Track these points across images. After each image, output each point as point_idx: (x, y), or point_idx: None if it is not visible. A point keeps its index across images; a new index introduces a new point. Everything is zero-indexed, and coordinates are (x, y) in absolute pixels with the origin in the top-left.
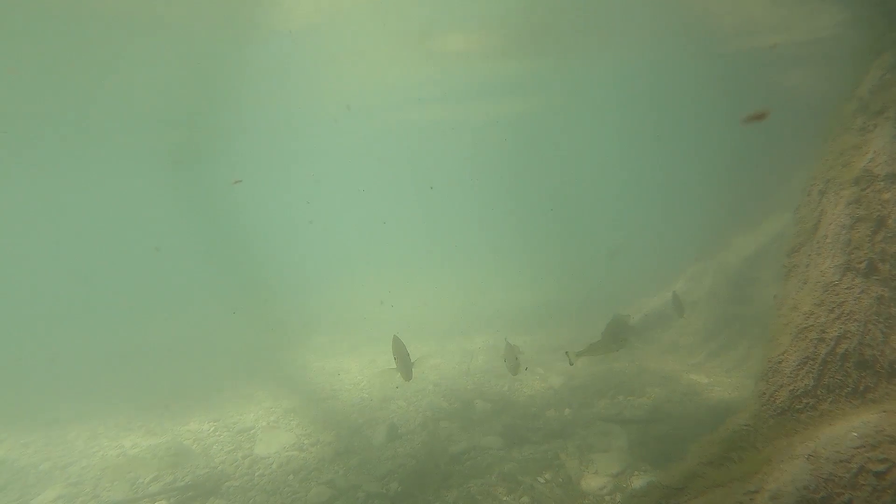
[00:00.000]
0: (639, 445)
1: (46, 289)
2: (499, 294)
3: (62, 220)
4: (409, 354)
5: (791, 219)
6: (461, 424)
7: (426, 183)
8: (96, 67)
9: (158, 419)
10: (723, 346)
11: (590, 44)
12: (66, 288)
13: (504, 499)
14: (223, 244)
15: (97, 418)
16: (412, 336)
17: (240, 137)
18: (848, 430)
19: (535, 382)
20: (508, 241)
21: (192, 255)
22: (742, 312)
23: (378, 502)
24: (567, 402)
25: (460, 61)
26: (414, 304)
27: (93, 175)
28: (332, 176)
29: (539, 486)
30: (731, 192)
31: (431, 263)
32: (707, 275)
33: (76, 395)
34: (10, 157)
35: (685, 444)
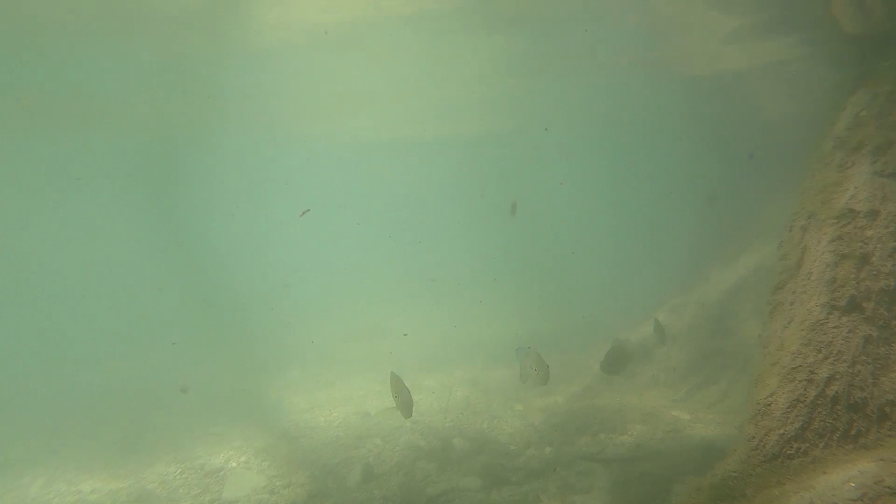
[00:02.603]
0: (621, 486)
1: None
2: (479, 327)
3: (20, 245)
4: (409, 391)
5: (771, 252)
6: (439, 464)
7: (411, 213)
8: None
9: (122, 461)
10: (704, 381)
11: (572, 73)
12: (25, 318)
13: None
14: (193, 273)
15: (55, 460)
16: (389, 371)
17: (216, 160)
18: (845, 479)
19: (515, 420)
20: (490, 274)
21: (160, 285)
22: (723, 346)
23: None
24: (548, 440)
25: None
26: (393, 337)
27: (59, 198)
28: (309, 204)
29: None
30: (710, 224)
31: (411, 295)
32: (687, 308)
33: (31, 435)
34: None
35: (669, 485)
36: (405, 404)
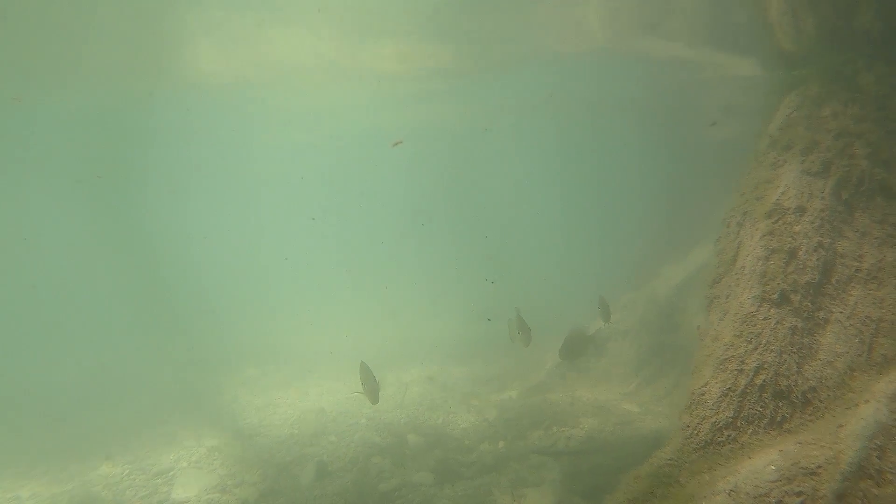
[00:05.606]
0: (571, 478)
1: None
2: (438, 325)
3: None
4: (376, 379)
5: (714, 249)
6: (393, 460)
7: (357, 209)
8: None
9: (64, 463)
10: (654, 375)
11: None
12: None
13: None
14: (141, 267)
15: None
16: (347, 368)
17: (159, 152)
18: (766, 463)
19: (470, 415)
20: (447, 273)
21: (106, 280)
22: (672, 341)
23: None
24: (502, 434)
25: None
26: (349, 335)
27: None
28: (257, 200)
29: None
30: (661, 222)
31: (370, 293)
32: (638, 304)
33: None
34: None
35: (618, 476)
36: (372, 391)
